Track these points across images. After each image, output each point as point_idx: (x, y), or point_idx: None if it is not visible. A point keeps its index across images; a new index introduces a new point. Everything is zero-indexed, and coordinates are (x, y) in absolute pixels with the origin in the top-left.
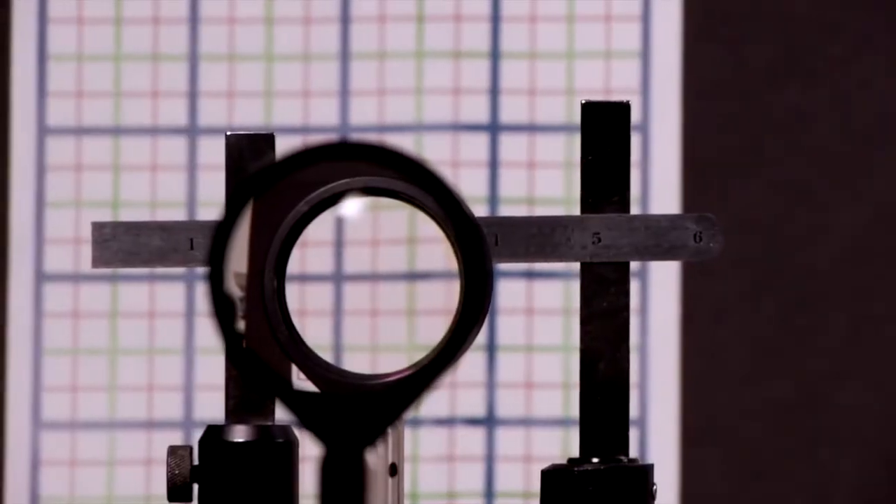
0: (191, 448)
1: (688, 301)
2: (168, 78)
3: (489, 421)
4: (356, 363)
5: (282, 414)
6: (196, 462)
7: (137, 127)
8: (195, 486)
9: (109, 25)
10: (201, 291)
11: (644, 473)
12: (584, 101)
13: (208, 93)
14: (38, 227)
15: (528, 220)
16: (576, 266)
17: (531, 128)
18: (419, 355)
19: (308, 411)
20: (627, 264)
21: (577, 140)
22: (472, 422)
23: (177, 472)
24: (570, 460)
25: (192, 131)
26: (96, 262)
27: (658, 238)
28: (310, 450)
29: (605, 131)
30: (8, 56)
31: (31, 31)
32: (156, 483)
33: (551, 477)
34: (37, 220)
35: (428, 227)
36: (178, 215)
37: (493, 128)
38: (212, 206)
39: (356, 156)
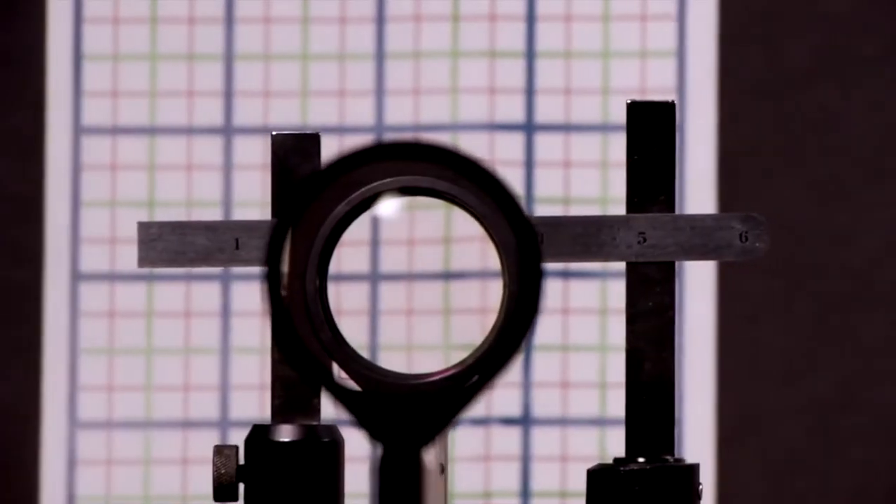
0: (236, 447)
1: (724, 300)
2: (203, 77)
3: (525, 421)
4: (392, 363)
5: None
6: (242, 461)
7: (173, 126)
8: (241, 486)
9: (145, 25)
10: (238, 291)
11: (690, 473)
12: (629, 101)
13: (244, 92)
14: (73, 226)
15: (574, 219)
16: (611, 265)
17: (566, 127)
18: (454, 354)
19: (365, 411)
20: (673, 264)
21: (612, 139)
22: (508, 421)
23: (223, 471)
24: (616, 460)
25: (227, 131)
26: (142, 261)
27: (704, 238)
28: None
29: (651, 131)
30: (44, 56)
31: (67, 31)
32: (192, 482)
33: (597, 476)
34: (72, 220)
35: (465, 227)
36: (214, 215)
37: (529, 127)
38: (247, 206)
39: (417, 156)
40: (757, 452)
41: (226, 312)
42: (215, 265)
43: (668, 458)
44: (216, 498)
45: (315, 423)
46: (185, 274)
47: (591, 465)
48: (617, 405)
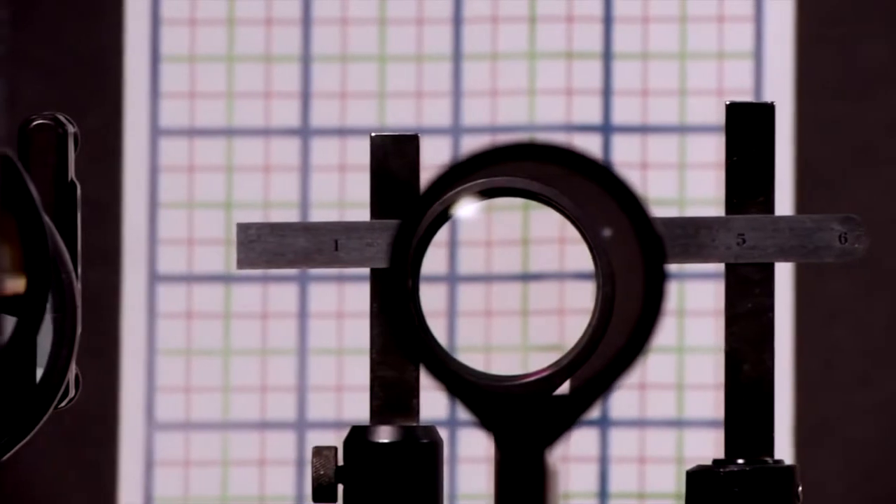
0: (335, 449)
1: (801, 301)
2: (280, 79)
3: (603, 422)
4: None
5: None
6: (341, 462)
7: (250, 128)
8: (339, 487)
9: (222, 26)
10: (315, 292)
11: (790, 474)
12: (728, 102)
13: (321, 93)
14: (151, 228)
15: (673, 220)
16: (689, 267)
17: (643, 128)
18: (533, 356)
19: (490, 413)
20: (772, 265)
21: (689, 141)
22: (587, 423)
23: (322, 472)
24: (715, 461)
25: (304, 132)
26: (241, 263)
27: (803, 239)
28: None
29: (750, 132)
30: (121, 57)
31: (145, 33)
32: (269, 483)
33: (697, 478)
34: (150, 221)
35: (543, 228)
36: (292, 216)
37: (606, 128)
38: (324, 208)
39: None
40: (834, 453)
41: (303, 314)
42: (314, 266)
43: (767, 459)
44: (315, 499)
45: (414, 424)
46: (262, 275)
47: (668, 466)
48: (694, 407)
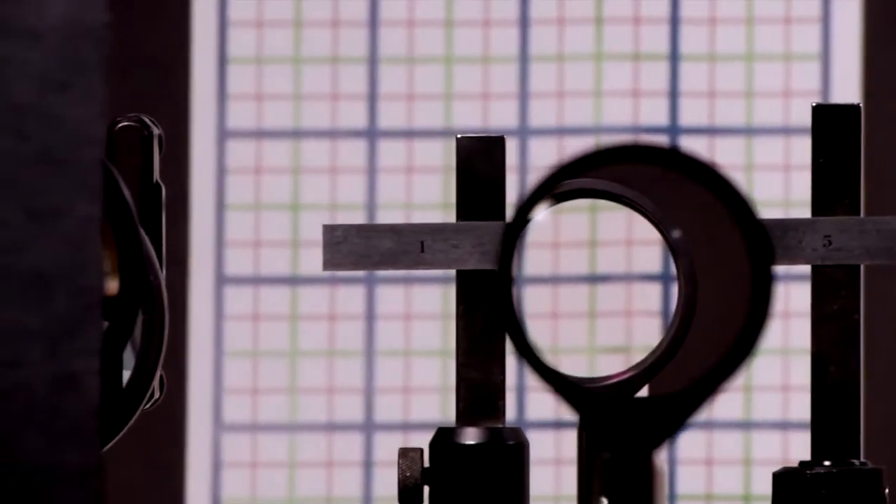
0: (421, 450)
1: (869, 302)
2: (347, 80)
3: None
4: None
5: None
6: (427, 464)
7: (316, 129)
8: (426, 489)
9: (289, 28)
10: (383, 294)
11: (877, 477)
12: (814, 104)
13: (388, 95)
14: (218, 229)
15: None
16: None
17: (711, 130)
18: (600, 358)
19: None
20: (858, 267)
21: (756, 142)
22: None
23: (408, 474)
24: (802, 463)
25: (371, 133)
26: (327, 264)
27: (890, 241)
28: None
29: (836, 134)
30: (188, 59)
31: (212, 35)
32: (337, 485)
33: (783, 480)
34: (217, 223)
35: (610, 230)
36: (358, 218)
37: (673, 130)
38: (391, 209)
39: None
40: None
41: (370, 315)
42: (400, 268)
43: (854, 461)
44: (401, 501)
45: (500, 425)
46: (329, 277)
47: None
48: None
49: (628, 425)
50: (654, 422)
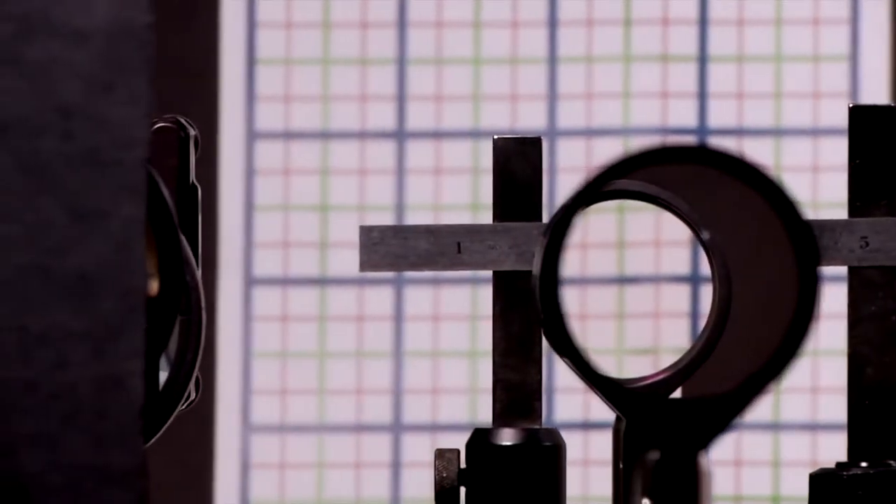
0: (458, 451)
1: None
2: (376, 81)
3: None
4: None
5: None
6: (463, 465)
7: (345, 131)
8: (462, 490)
9: (317, 29)
10: (411, 295)
11: None
12: (851, 105)
13: (416, 96)
14: (247, 231)
15: None
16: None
17: (739, 131)
18: (629, 359)
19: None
20: (895, 268)
21: (785, 144)
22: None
23: (444, 475)
24: (839, 464)
25: (400, 135)
26: (364, 265)
27: None
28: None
29: (872, 135)
30: (217, 61)
31: (240, 36)
32: (365, 486)
33: (820, 481)
34: (246, 224)
35: (639, 231)
36: (386, 219)
37: (702, 131)
38: (419, 210)
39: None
40: None
41: (399, 316)
42: (437, 269)
43: (891, 462)
44: (438, 502)
45: (537, 426)
46: (358, 278)
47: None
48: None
49: (675, 425)
50: (701, 422)
